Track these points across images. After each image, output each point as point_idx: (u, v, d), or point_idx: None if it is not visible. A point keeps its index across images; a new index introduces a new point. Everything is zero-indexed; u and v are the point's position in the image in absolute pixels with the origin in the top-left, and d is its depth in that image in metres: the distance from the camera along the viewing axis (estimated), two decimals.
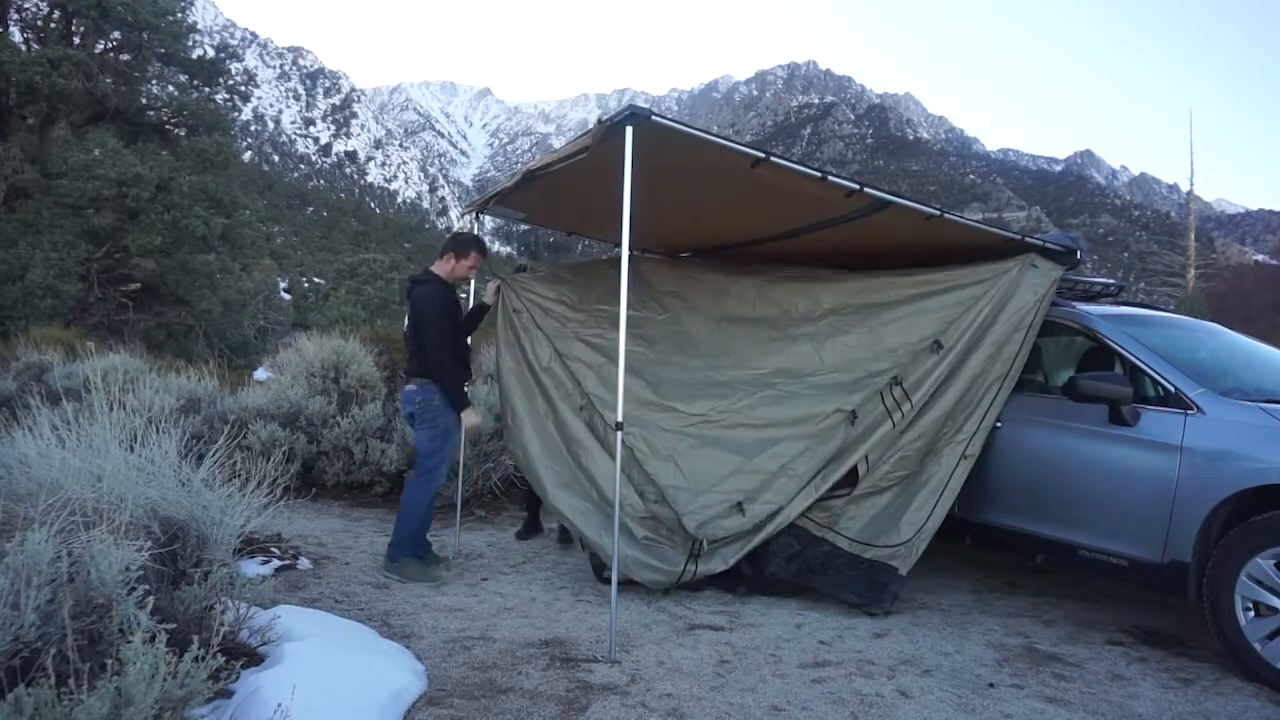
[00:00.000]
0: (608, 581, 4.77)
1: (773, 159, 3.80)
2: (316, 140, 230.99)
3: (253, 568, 4.15)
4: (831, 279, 4.94)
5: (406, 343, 4.78)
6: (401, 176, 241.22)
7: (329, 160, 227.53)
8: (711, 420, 4.74)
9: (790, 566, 4.45)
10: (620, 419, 3.67)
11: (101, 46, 21.09)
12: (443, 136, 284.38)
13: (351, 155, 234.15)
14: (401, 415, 4.92)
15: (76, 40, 20.62)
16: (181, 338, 21.73)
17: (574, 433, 4.76)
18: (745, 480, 4.52)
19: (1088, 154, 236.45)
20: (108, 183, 18.40)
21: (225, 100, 23.82)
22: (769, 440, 4.61)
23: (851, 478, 4.53)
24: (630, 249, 3.65)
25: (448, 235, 5.19)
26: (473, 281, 5.26)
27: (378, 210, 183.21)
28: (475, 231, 5.23)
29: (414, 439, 4.69)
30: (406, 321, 4.80)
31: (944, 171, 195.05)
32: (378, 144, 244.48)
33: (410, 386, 4.65)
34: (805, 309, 4.92)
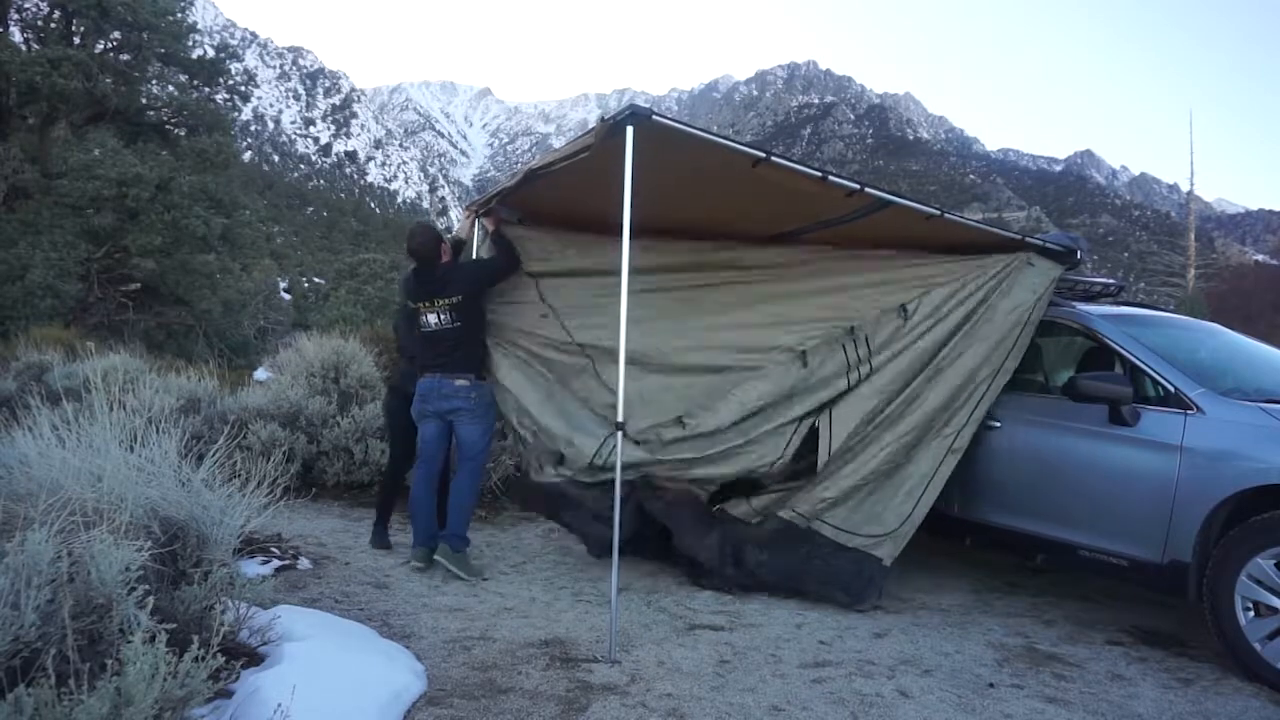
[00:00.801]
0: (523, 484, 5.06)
1: (773, 158, 3.80)
2: (316, 140, 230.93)
3: (253, 568, 4.14)
4: (826, 251, 4.94)
5: (437, 340, 4.69)
6: (401, 176, 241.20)
7: (329, 160, 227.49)
8: (675, 349, 4.84)
9: (774, 562, 4.44)
10: (621, 419, 3.67)
11: (101, 46, 21.08)
12: (443, 136, 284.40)
13: (351, 155, 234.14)
14: (425, 410, 4.77)
15: (76, 40, 20.61)
16: (181, 338, 21.72)
17: (552, 347, 4.92)
18: (692, 397, 4.69)
19: (1088, 154, 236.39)
20: (108, 183, 18.40)
21: (225, 100, 23.81)
22: (720, 367, 4.74)
23: (811, 463, 4.51)
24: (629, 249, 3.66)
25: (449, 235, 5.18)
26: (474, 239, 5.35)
27: (378, 210, 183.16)
28: (476, 232, 5.24)
29: (462, 434, 4.72)
30: (439, 315, 4.68)
31: (944, 171, 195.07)
32: (378, 144, 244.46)
33: (461, 382, 4.65)
34: (793, 260, 4.93)
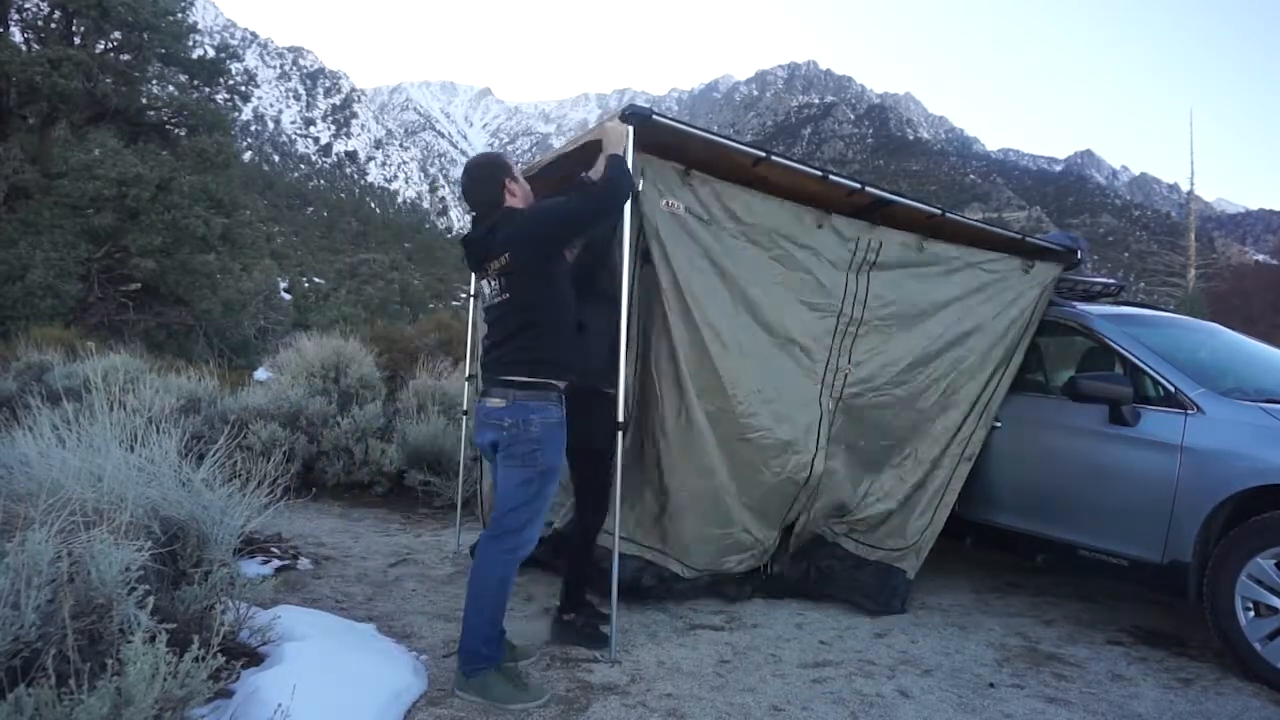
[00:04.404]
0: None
1: (774, 158, 3.80)
2: (316, 140, 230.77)
3: (253, 568, 4.14)
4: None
5: (490, 325, 3.18)
6: (401, 176, 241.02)
7: (329, 160, 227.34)
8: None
9: (797, 566, 4.43)
10: (622, 418, 3.65)
11: (102, 46, 21.09)
12: (443, 136, 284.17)
13: (351, 155, 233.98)
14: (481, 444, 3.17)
15: (77, 40, 20.62)
16: (181, 338, 21.70)
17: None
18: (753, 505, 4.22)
19: (1088, 154, 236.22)
20: (108, 183, 18.41)
21: (225, 100, 23.82)
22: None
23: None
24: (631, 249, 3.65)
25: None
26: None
27: (378, 210, 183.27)
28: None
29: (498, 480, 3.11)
30: (490, 284, 3.12)
31: (944, 171, 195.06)
32: (378, 144, 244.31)
33: (495, 401, 3.01)
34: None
